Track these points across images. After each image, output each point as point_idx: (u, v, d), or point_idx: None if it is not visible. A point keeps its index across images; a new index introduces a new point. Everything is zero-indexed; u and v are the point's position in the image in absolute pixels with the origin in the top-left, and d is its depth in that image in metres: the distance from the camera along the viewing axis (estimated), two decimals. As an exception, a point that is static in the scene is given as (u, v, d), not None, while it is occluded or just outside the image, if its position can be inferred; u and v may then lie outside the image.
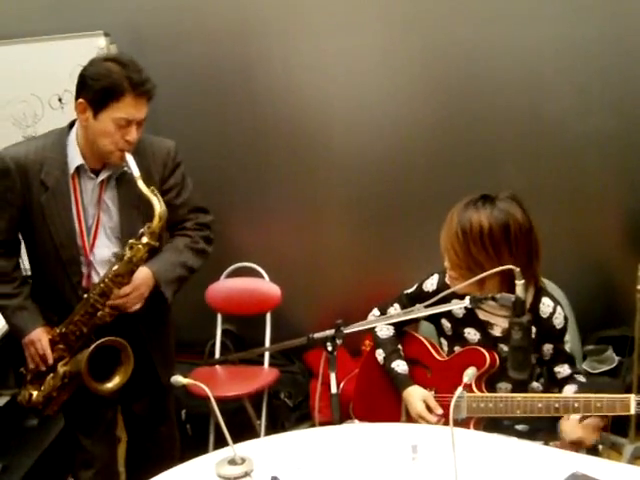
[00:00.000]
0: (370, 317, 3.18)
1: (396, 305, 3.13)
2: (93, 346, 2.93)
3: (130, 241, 2.91)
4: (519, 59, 4.34)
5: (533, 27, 4.28)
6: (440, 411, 2.94)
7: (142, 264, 2.96)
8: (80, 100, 2.88)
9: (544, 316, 2.88)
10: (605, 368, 4.46)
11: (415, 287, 3.11)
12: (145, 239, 2.89)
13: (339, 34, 4.44)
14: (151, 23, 4.48)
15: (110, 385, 3.01)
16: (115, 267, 2.93)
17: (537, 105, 4.38)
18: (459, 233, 2.76)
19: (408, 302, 3.05)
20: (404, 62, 4.46)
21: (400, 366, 3.07)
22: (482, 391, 2.85)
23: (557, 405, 2.64)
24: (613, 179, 4.46)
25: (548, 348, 2.91)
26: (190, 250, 3.20)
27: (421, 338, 3.15)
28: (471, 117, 4.45)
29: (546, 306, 2.89)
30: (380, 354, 3.13)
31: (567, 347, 2.93)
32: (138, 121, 2.90)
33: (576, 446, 2.66)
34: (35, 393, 3.11)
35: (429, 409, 2.95)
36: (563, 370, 2.91)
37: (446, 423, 2.89)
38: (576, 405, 2.60)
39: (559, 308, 2.90)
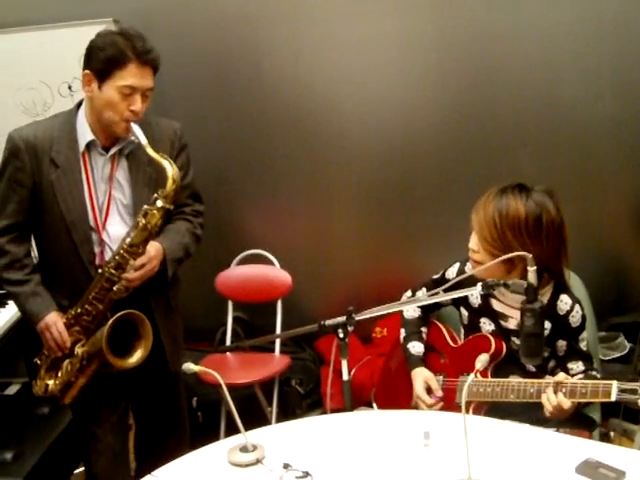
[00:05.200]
0: (403, 298, 3.21)
1: (424, 289, 3.16)
2: (112, 320, 2.88)
3: (144, 207, 2.87)
4: (531, 45, 4.31)
5: (545, 12, 4.26)
6: (440, 393, 2.97)
7: (156, 231, 2.92)
8: (86, 71, 2.88)
9: (561, 313, 2.89)
10: (616, 355, 4.45)
11: (440, 273, 3.15)
12: (160, 203, 2.85)
13: (349, 19, 4.42)
14: (160, 10, 4.47)
15: (132, 360, 2.96)
16: (129, 237, 2.90)
17: (549, 91, 4.36)
18: (496, 217, 2.77)
19: (433, 287, 3.06)
20: (416, 48, 4.44)
21: (415, 347, 3.11)
22: (486, 377, 2.86)
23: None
24: (626, 164, 4.44)
25: (562, 344, 2.92)
26: (191, 235, 3.21)
27: (440, 325, 3.20)
28: (483, 104, 4.43)
29: (564, 303, 2.89)
30: (402, 333, 3.20)
31: (583, 345, 2.93)
32: (143, 91, 2.88)
33: (557, 413, 2.66)
34: (51, 382, 3.08)
35: (430, 391, 2.98)
36: (577, 367, 2.92)
37: (445, 407, 2.93)
38: (564, 390, 2.62)
39: (577, 307, 2.90)
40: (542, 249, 2.74)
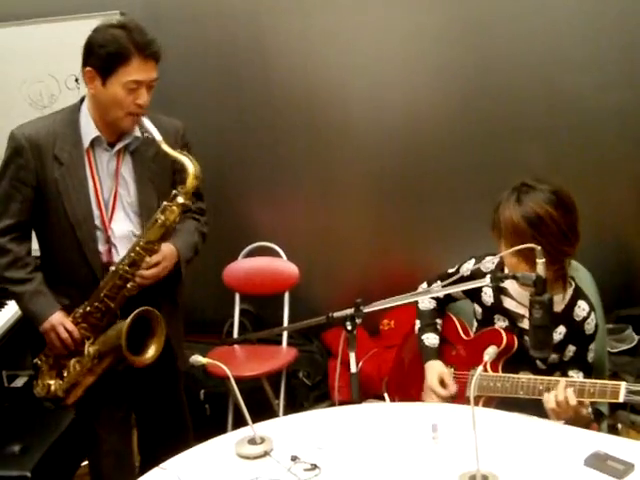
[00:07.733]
0: (419, 289, 3.19)
1: (438, 281, 3.13)
2: (130, 318, 2.86)
3: (164, 203, 2.85)
4: (537, 34, 4.29)
5: (549, 2, 4.25)
6: (454, 389, 2.96)
7: (173, 227, 2.90)
8: (88, 68, 2.84)
9: (577, 319, 2.87)
10: (624, 347, 4.44)
11: (456, 267, 3.12)
12: (180, 199, 2.84)
13: (355, 11, 4.41)
14: (167, 2, 4.46)
15: (148, 355, 2.95)
16: (146, 234, 2.88)
17: (555, 80, 4.34)
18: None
19: (447, 280, 3.04)
20: (421, 39, 4.42)
21: (429, 339, 3.11)
22: (496, 372, 2.85)
23: None
24: (631, 154, 4.42)
25: (571, 350, 2.90)
26: (199, 234, 3.20)
27: (453, 318, 3.19)
28: (490, 94, 4.42)
29: (581, 310, 2.88)
30: (417, 324, 3.19)
31: (590, 357, 2.92)
32: (148, 83, 2.85)
33: (558, 410, 2.63)
34: (53, 382, 3.04)
35: (444, 385, 2.97)
36: (577, 377, 2.88)
37: (457, 401, 2.92)
38: (573, 388, 2.60)
39: (593, 314, 2.89)
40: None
